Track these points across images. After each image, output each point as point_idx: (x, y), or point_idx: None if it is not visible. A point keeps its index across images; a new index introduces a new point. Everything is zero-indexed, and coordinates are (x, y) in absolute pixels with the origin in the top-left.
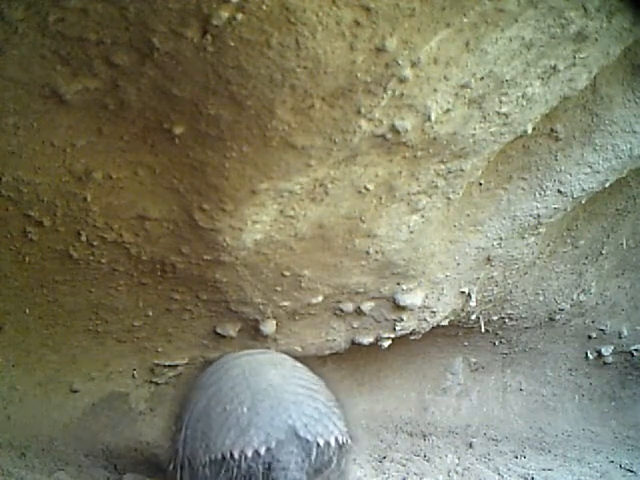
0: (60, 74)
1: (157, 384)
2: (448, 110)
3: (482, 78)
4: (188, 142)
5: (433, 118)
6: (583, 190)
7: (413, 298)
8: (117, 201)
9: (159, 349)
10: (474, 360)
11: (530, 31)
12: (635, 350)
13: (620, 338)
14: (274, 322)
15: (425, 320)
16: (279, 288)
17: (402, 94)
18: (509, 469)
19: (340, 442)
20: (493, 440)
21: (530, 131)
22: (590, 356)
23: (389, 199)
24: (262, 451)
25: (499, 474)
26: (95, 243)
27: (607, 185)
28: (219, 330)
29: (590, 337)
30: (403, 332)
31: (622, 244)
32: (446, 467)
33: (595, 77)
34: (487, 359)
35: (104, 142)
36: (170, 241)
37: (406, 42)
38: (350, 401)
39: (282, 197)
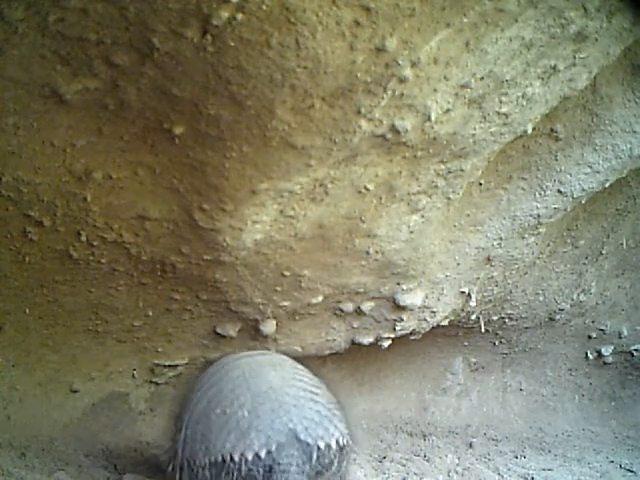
0: (60, 74)
1: (157, 384)
2: (448, 110)
3: (482, 78)
4: (188, 142)
5: (433, 118)
6: (583, 190)
7: (413, 298)
8: (117, 201)
9: (159, 349)
10: (474, 360)
11: (530, 31)
12: (635, 350)
13: (620, 338)
14: (274, 322)
15: (425, 320)
16: (279, 288)
17: (402, 94)
18: (509, 469)
19: (341, 444)
20: (493, 440)
21: (530, 131)
22: (590, 356)
23: (389, 199)
24: (263, 454)
25: (499, 474)
26: (95, 243)
27: (607, 185)
28: (219, 330)
29: (590, 337)
30: (403, 332)
31: (622, 244)
32: (446, 467)
33: (595, 77)
34: (487, 359)
35: (104, 142)
36: (170, 241)
37: (406, 42)
38: (350, 401)
39: (282, 197)
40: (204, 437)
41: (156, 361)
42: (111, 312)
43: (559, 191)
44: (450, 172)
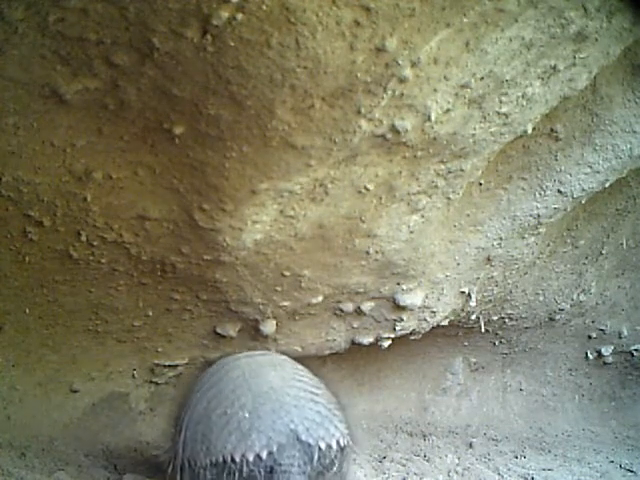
0: (60, 74)
1: (157, 384)
2: (448, 110)
3: (482, 78)
4: (188, 142)
5: (433, 118)
6: (583, 190)
7: (413, 298)
8: (117, 201)
9: (159, 349)
10: (474, 360)
11: (530, 31)
12: (635, 350)
13: (620, 338)
14: (274, 322)
15: (425, 320)
16: (279, 288)
17: (402, 94)
18: (509, 469)
19: (341, 445)
20: (493, 440)
21: (530, 131)
22: (590, 356)
23: (389, 199)
24: (264, 455)
25: (499, 474)
26: (95, 243)
27: (607, 185)
28: (219, 330)
29: (590, 337)
30: (403, 332)
31: (622, 244)
32: (446, 467)
33: (595, 77)
34: (487, 359)
35: (104, 142)
36: (170, 241)
37: (406, 42)
38: (350, 401)
39: (282, 197)
40: (205, 438)
41: (156, 361)
42: (111, 312)
43: (559, 191)
44: (450, 172)
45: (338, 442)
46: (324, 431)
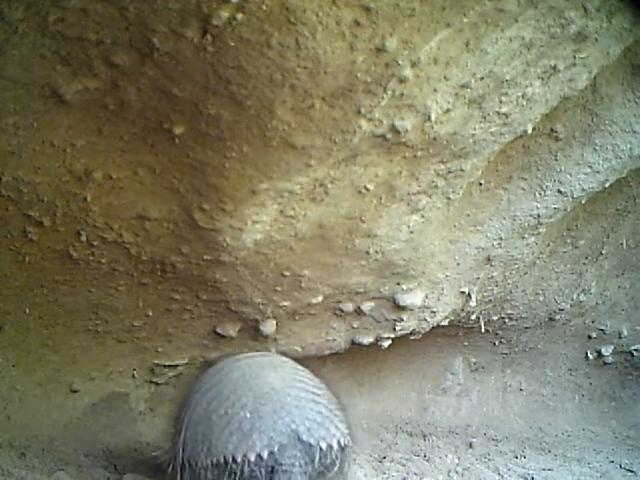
0: (60, 74)
1: (157, 384)
2: (448, 110)
3: (482, 78)
4: (188, 142)
5: (433, 118)
6: (583, 190)
7: (413, 298)
8: (117, 201)
9: (159, 349)
10: (474, 360)
11: (530, 31)
12: (635, 350)
13: (620, 338)
14: (274, 322)
15: (425, 320)
16: (279, 288)
17: (402, 94)
18: (509, 469)
19: (342, 445)
20: (493, 440)
21: (530, 131)
22: (590, 356)
23: (389, 199)
24: (265, 455)
25: (499, 474)
26: (95, 243)
27: (607, 185)
28: (219, 330)
29: (590, 337)
30: (403, 332)
31: (622, 244)
32: (446, 467)
33: (595, 77)
34: (487, 359)
35: (104, 142)
36: (170, 241)
37: (406, 42)
38: (350, 401)
39: (282, 197)
40: (205, 438)
41: (156, 361)
42: (111, 312)
43: (559, 191)
44: (450, 172)
45: (339, 442)
46: (325, 431)
